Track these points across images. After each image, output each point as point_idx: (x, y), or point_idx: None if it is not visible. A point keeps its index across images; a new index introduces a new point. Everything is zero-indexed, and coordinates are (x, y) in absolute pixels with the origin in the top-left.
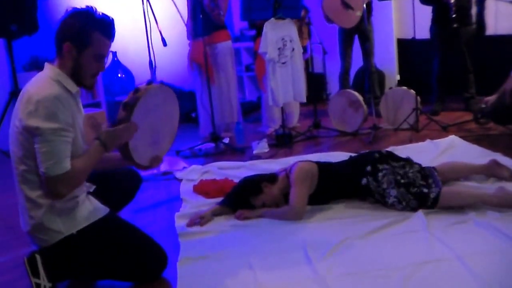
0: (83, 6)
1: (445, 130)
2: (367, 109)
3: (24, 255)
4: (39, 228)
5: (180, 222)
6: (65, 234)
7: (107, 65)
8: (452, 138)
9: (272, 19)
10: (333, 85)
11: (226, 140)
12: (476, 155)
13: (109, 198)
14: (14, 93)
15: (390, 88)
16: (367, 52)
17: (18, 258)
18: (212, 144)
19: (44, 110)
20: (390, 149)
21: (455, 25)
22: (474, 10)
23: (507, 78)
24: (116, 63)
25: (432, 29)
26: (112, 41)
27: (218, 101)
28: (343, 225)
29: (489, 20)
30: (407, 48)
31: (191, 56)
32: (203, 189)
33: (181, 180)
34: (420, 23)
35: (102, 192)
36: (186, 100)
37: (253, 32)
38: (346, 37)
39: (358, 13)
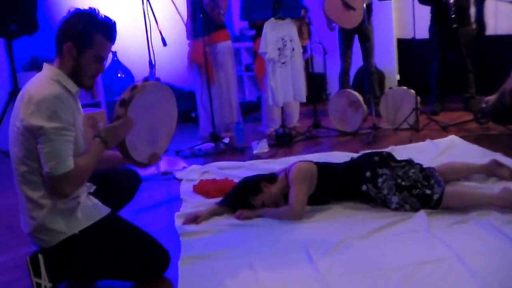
0: (84, 6)
1: (445, 130)
2: (367, 109)
3: (24, 255)
4: (41, 229)
5: (180, 222)
6: (67, 235)
7: (107, 65)
8: (452, 138)
9: (272, 19)
10: (333, 85)
11: (226, 140)
12: (476, 155)
13: (109, 198)
14: (14, 93)
15: (390, 88)
16: (367, 52)
17: (18, 258)
18: (212, 144)
19: (46, 110)
20: (390, 149)
21: (454, 25)
22: (472, 10)
23: (507, 78)
24: (116, 63)
25: (431, 29)
26: (113, 43)
27: (218, 101)
28: (344, 225)
29: (489, 20)
30: (407, 48)
31: (190, 56)
32: (203, 189)
33: (181, 180)
34: (420, 23)
35: (101, 192)
36: (186, 100)
37: (253, 32)
38: (346, 37)
39: (358, 19)
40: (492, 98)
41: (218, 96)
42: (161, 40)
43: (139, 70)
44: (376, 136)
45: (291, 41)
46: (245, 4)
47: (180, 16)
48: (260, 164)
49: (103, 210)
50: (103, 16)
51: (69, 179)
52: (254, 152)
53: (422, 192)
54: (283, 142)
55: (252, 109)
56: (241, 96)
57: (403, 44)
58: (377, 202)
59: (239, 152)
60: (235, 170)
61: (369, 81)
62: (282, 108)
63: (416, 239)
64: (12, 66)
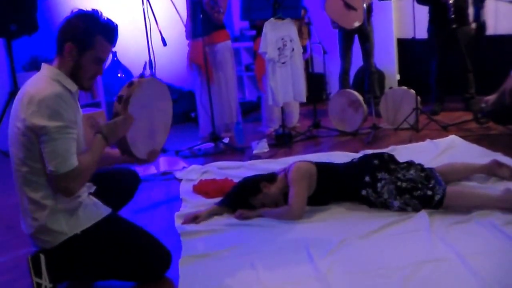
0: (84, 6)
1: (445, 130)
2: (367, 109)
3: (24, 255)
4: (42, 230)
5: (180, 222)
6: (69, 235)
7: (106, 65)
8: (452, 138)
9: (272, 19)
10: (333, 85)
11: (226, 140)
12: (476, 155)
13: (108, 198)
14: (14, 93)
15: (390, 88)
16: (367, 52)
17: (18, 258)
18: (212, 144)
19: (47, 109)
20: (390, 149)
21: (453, 26)
22: (470, 10)
23: (507, 78)
24: (116, 63)
25: (430, 29)
26: (114, 46)
27: (218, 101)
28: (345, 225)
29: (489, 20)
30: (407, 48)
31: (190, 56)
32: (202, 189)
33: (180, 180)
34: (420, 23)
35: (101, 192)
36: (186, 100)
37: (253, 32)
38: (346, 37)
39: (357, 23)
40: (491, 98)
41: (217, 96)
42: (161, 40)
43: (139, 70)
44: (376, 136)
45: (291, 41)
46: (245, 4)
47: (180, 16)
48: (260, 164)
49: (104, 210)
50: (105, 19)
51: (74, 176)
52: (254, 152)
53: (424, 194)
54: (283, 142)
55: (252, 109)
56: (241, 96)
57: (403, 44)
58: (378, 206)
59: (239, 152)
60: (235, 170)
61: (369, 81)
62: (282, 108)
63: (417, 239)
64: (12, 66)
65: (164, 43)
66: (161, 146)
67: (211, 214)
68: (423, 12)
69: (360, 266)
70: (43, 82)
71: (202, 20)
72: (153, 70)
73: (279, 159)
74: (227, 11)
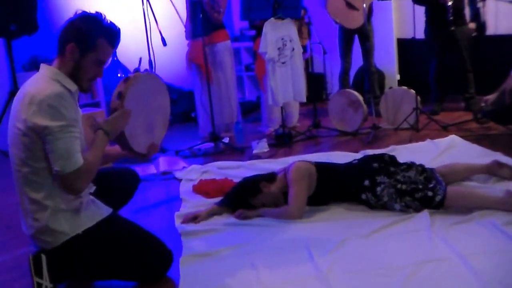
0: (85, 7)
1: (445, 130)
2: (367, 109)
3: (24, 255)
4: (44, 230)
5: (180, 221)
6: (70, 235)
7: (106, 65)
8: (452, 138)
9: (272, 19)
10: (333, 85)
11: (226, 140)
12: (476, 154)
13: (108, 198)
14: (14, 93)
15: (390, 88)
16: (367, 52)
17: (17, 258)
18: (212, 144)
19: (49, 109)
20: (390, 148)
21: (452, 28)
22: (467, 10)
23: (507, 78)
24: (116, 63)
25: (427, 30)
26: (115, 50)
27: (218, 101)
28: (345, 224)
29: (489, 20)
30: (407, 48)
31: (189, 56)
32: (202, 189)
33: (180, 180)
34: (420, 23)
35: (101, 192)
36: (186, 100)
37: (253, 32)
38: (346, 37)
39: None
40: (491, 97)
41: (217, 96)
42: (161, 40)
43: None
44: (376, 136)
45: (291, 41)
46: (245, 4)
47: (179, 16)
48: (260, 164)
49: (105, 210)
50: (108, 22)
51: (80, 174)
52: (254, 152)
53: (424, 195)
54: (283, 142)
55: (252, 109)
56: (241, 96)
57: (403, 44)
58: (378, 208)
59: (239, 152)
60: (235, 170)
61: (369, 81)
62: (282, 108)
63: (417, 239)
64: (12, 66)
65: (164, 43)
66: (160, 141)
67: (211, 214)
68: (423, 12)
69: (361, 265)
70: (43, 82)
71: (201, 20)
72: (153, 70)
73: (279, 159)
74: (227, 11)
